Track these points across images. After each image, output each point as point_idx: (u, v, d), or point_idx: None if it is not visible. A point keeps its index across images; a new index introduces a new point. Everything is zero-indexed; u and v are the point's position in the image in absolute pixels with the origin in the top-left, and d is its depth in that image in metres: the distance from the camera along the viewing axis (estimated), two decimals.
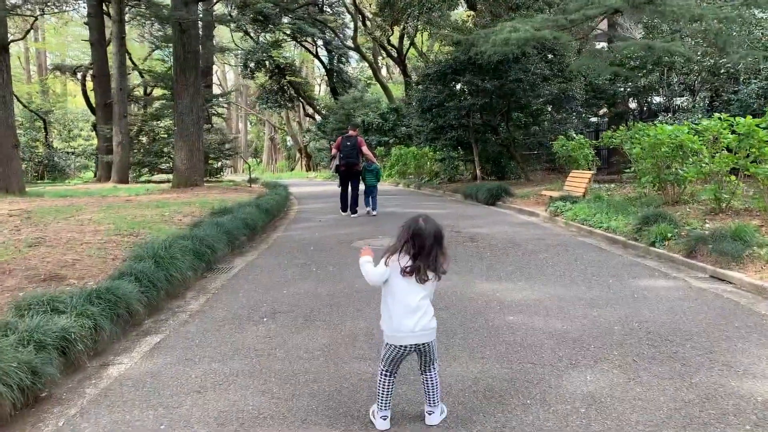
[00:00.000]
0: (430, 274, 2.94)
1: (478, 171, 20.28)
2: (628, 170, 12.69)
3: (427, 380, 3.06)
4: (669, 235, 7.63)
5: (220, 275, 6.83)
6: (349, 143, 12.36)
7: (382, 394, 3.03)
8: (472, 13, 29.28)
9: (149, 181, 27.78)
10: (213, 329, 4.72)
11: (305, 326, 4.72)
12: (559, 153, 16.36)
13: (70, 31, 45.61)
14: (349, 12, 38.03)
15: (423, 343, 2.98)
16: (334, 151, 12.81)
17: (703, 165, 9.28)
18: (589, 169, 14.83)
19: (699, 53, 15.27)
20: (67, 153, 40.18)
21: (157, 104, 29.49)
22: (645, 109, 21.38)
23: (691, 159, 9.84)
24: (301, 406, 3.25)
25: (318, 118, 43.70)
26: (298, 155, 54.57)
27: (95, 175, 31.16)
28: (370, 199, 12.82)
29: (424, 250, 2.89)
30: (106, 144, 27.10)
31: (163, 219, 10.47)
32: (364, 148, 12.52)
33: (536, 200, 13.94)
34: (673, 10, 11.22)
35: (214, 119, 35.38)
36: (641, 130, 11.57)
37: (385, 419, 3.02)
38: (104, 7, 27.49)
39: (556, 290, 5.68)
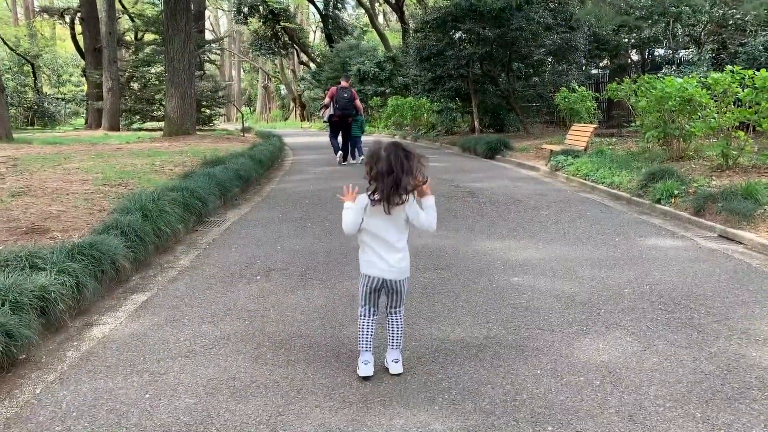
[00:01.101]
0: (403, 197, 2.82)
1: (476, 123, 19.87)
2: (632, 124, 12.36)
3: (393, 321, 3.05)
4: (675, 192, 7.39)
5: (211, 229, 6.58)
6: (345, 95, 12.67)
7: (362, 335, 3.02)
8: None
9: (141, 129, 27.23)
10: (203, 287, 4.49)
11: (300, 285, 4.50)
12: (561, 105, 15.96)
13: None
14: None
15: (397, 280, 2.96)
16: (327, 100, 12.94)
17: (712, 120, 8.97)
18: (591, 123, 14.48)
19: (707, 3, 14.72)
20: (57, 99, 39.27)
21: (147, 49, 28.63)
22: (648, 61, 20.86)
23: (699, 113, 9.52)
24: (297, 374, 3.04)
25: (313, 66, 42.76)
26: (292, 104, 53.63)
27: (86, 122, 30.51)
28: (356, 149, 13.19)
29: (385, 171, 2.78)
30: (96, 90, 26.46)
31: (154, 169, 10.17)
32: (358, 102, 12.98)
33: (536, 154, 13.65)
34: None
35: (207, 66, 34.55)
36: (648, 82, 11.20)
37: (366, 364, 2.99)
38: None
39: (561, 249, 5.46)
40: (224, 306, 4.08)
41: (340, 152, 13.12)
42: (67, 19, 33.25)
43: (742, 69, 8.68)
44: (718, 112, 9.04)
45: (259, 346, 3.41)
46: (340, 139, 13.26)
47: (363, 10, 40.60)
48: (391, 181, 2.77)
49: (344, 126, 12.90)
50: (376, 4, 42.34)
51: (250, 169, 9.79)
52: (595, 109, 15.70)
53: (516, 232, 6.16)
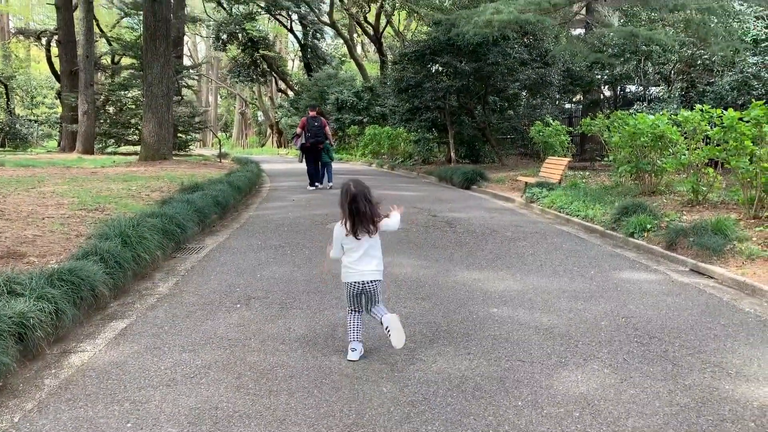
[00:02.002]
0: (371, 228, 3.63)
1: (452, 154, 20.13)
2: (605, 158, 12.66)
3: (374, 312, 3.71)
4: (648, 226, 7.57)
5: (190, 255, 6.55)
6: (316, 124, 13.65)
7: (350, 329, 3.70)
8: None
9: (115, 153, 27.01)
10: (183, 315, 4.47)
11: (281, 314, 4.50)
12: (535, 138, 16.28)
13: None
14: None
15: (371, 281, 3.66)
16: (299, 130, 13.92)
17: (683, 156, 9.25)
18: (565, 156, 14.78)
19: (677, 43, 15.26)
20: (30, 121, 38.72)
21: (125, 73, 28.54)
22: (620, 97, 21.45)
23: (670, 150, 9.81)
24: (279, 405, 3.04)
25: (291, 93, 42.98)
26: (269, 131, 53.69)
27: (59, 145, 30.15)
28: (327, 174, 14.25)
29: (360, 209, 3.57)
30: (71, 113, 26.24)
31: (130, 194, 10.10)
32: (327, 129, 13.96)
33: (511, 185, 13.86)
34: None
35: (184, 91, 34.49)
36: (620, 118, 11.52)
37: (354, 351, 3.63)
38: None
39: (539, 281, 5.55)
40: (204, 334, 4.06)
41: (312, 186, 13.93)
42: (44, 41, 33.10)
43: (710, 108, 9.01)
44: (688, 149, 9.33)
45: (241, 375, 3.40)
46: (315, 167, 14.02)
47: (342, 41, 41.07)
48: (361, 220, 3.59)
49: (316, 152, 13.85)
50: (355, 35, 42.92)
51: (228, 195, 9.76)
52: (568, 143, 16.04)
53: (494, 263, 6.25)
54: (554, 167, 12.65)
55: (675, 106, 15.98)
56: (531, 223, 9.30)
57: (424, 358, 3.64)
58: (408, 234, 7.87)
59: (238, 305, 4.71)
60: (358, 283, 3.63)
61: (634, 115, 10.91)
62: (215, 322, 4.30)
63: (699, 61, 17.09)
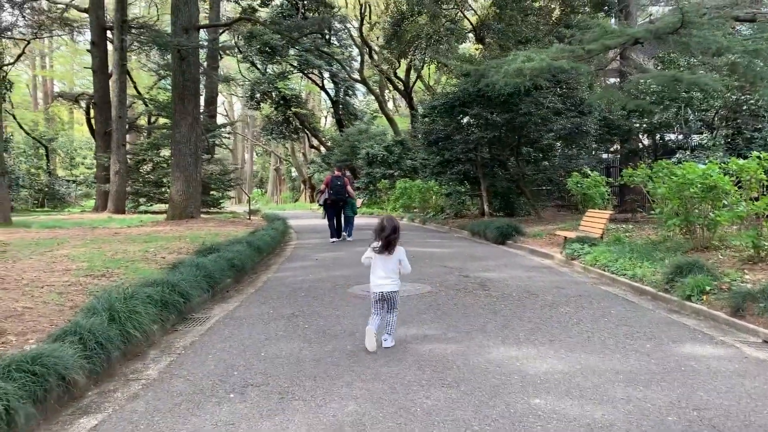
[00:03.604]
0: (393, 250, 5.06)
1: (485, 207, 19.41)
2: (651, 211, 11.80)
3: (388, 319, 5.08)
4: (707, 288, 6.70)
5: (193, 328, 5.92)
6: (339, 183, 14.37)
7: (372, 322, 5.01)
8: (480, 46, 28.83)
9: (147, 212, 27.01)
10: (166, 409, 3.80)
11: (280, 407, 3.79)
12: (573, 190, 15.50)
13: (78, 60, 45.42)
14: (356, 44, 37.71)
15: (389, 291, 5.03)
16: (323, 187, 14.77)
17: (740, 208, 8.39)
18: (606, 209, 13.94)
19: (720, 88, 14.49)
20: (68, 181, 39.50)
21: (158, 133, 28.88)
22: (659, 146, 20.56)
23: (724, 201, 8.95)
24: None
25: (323, 149, 43.14)
26: (302, 186, 53.92)
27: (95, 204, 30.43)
28: (349, 228, 15.03)
29: (385, 236, 4.99)
30: (104, 173, 26.46)
31: (145, 256, 9.63)
32: (350, 187, 14.69)
33: (549, 240, 13.03)
34: (699, 41, 10.46)
35: (220, 149, 34.78)
36: (665, 168, 10.73)
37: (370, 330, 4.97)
38: (108, 35, 27.14)
39: (587, 359, 4.74)
40: None
41: (333, 239, 14.66)
42: (83, 104, 33.96)
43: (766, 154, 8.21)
44: (745, 200, 8.49)
45: None
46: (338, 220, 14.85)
47: (373, 97, 41.28)
48: (386, 240, 5.01)
49: (337, 208, 14.66)
50: (386, 91, 43.15)
51: (246, 257, 9.21)
52: (608, 195, 15.21)
53: (534, 335, 5.46)
54: (595, 220, 11.82)
55: (721, 153, 15.10)
56: (573, 283, 8.47)
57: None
58: (437, 299, 7.14)
59: (232, 395, 4.02)
60: (383, 293, 5.01)
61: (680, 165, 10.13)
62: (201, 419, 3.62)
63: (745, 107, 16.23)
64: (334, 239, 14.68)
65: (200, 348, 5.18)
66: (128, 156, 27.15)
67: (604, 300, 7.20)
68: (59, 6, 30.26)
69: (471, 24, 28.79)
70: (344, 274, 9.20)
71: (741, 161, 8.71)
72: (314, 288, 8.02)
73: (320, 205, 15.28)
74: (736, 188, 8.75)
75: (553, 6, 25.92)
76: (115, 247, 10.99)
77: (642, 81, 13.80)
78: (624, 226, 13.79)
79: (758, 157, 8.22)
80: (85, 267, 8.28)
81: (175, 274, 6.66)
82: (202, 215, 20.41)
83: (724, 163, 9.45)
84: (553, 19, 25.17)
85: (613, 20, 21.93)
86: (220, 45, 29.49)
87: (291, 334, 5.58)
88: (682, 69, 16.19)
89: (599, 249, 9.98)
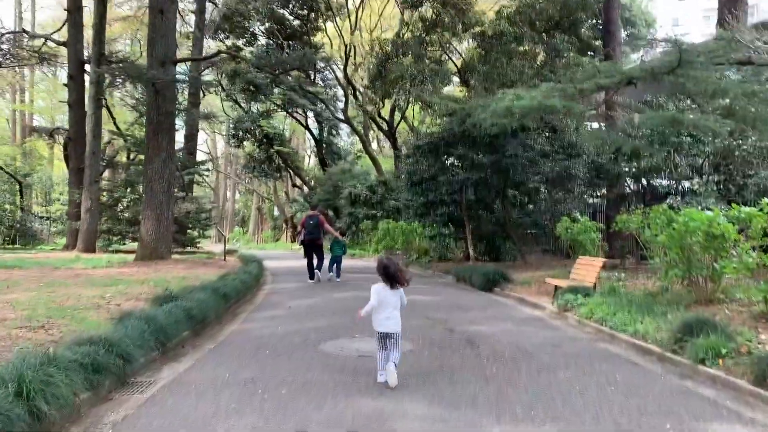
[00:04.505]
0: (397, 286, 5.39)
1: (470, 250, 18.69)
2: (645, 260, 11.15)
3: (388, 356, 5.24)
4: (723, 350, 5.96)
5: (132, 396, 5.00)
6: (312, 222, 14.23)
7: (378, 360, 5.33)
8: (464, 88, 28.57)
9: (119, 251, 25.88)
10: None
11: None
12: (563, 236, 14.84)
13: (60, 95, 44.68)
14: (340, 84, 37.48)
15: (392, 332, 5.27)
16: (299, 227, 14.90)
17: (749, 258, 7.72)
18: (597, 256, 13.26)
19: (725, 131, 14.06)
20: (41, 218, 38.25)
21: (132, 169, 28.01)
22: (647, 191, 20.08)
23: (729, 251, 8.29)
24: None
25: (306, 188, 42.48)
26: (284, 225, 53.00)
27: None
28: (335, 266, 14.77)
29: (390, 273, 5.37)
30: (75, 210, 25.42)
31: (97, 303, 8.72)
32: (326, 226, 14.58)
33: (539, 288, 12.27)
34: (696, 82, 9.97)
35: (201, 187, 33.92)
36: (662, 214, 10.11)
37: (381, 375, 5.26)
38: (87, 68, 26.44)
39: None
40: None
41: (316, 276, 14.32)
42: (60, 139, 33.00)
43: (744, 201, 7.60)
44: (753, 249, 7.84)
45: None
46: (316, 261, 14.48)
47: (357, 137, 40.90)
48: (391, 277, 5.36)
49: (313, 248, 14.34)
50: (370, 132, 42.82)
51: (209, 306, 8.31)
52: (599, 241, 14.56)
53: (533, 411, 4.62)
54: (587, 269, 11.10)
55: (713, 200, 14.59)
56: (569, 340, 7.69)
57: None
58: (419, 360, 6.30)
59: None
60: (386, 333, 5.23)
61: (678, 211, 9.50)
62: None
63: (736, 152, 15.81)
64: (311, 281, 14.34)
65: (132, 427, 4.27)
66: (104, 193, 26.23)
67: (607, 362, 6.41)
68: (38, 39, 29.68)
69: (456, 66, 28.60)
70: (318, 325, 8.34)
71: (746, 209, 8.09)
72: (281, 344, 7.14)
73: (300, 245, 15.26)
74: (742, 237, 8.12)
75: (537, 50, 25.76)
76: (70, 291, 10.05)
77: (632, 123, 13.29)
78: (616, 273, 13.08)
79: None
80: (24, 316, 7.35)
81: (118, 330, 5.77)
82: (174, 255, 19.44)
83: (721, 209, 8.87)
84: (538, 63, 24.95)
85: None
86: (202, 82, 28.97)
87: (245, 407, 4.68)
88: (671, 111, 15.78)
89: (594, 300, 9.26)
